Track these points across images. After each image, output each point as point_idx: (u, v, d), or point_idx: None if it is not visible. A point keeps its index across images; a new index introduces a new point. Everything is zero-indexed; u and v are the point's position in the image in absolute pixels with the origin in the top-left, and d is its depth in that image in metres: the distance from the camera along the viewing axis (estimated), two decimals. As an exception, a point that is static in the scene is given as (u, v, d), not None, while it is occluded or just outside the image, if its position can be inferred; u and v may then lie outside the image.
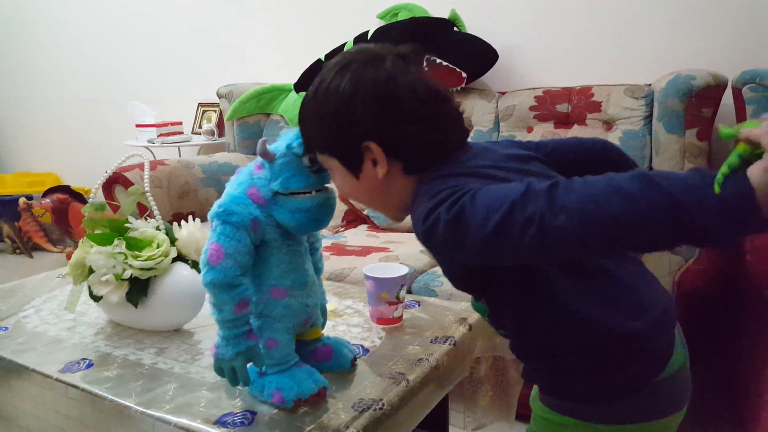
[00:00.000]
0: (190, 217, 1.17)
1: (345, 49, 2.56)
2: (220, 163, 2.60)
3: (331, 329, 1.09)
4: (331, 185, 0.85)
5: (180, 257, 1.11)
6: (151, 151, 3.07)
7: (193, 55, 3.31)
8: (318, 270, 0.95)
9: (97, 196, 1.14)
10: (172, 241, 1.12)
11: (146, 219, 1.16)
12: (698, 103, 1.84)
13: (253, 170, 0.84)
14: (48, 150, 4.14)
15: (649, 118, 2.02)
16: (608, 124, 2.09)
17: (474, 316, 1.14)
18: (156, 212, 1.15)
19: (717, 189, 0.51)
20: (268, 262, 0.84)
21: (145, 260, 1.05)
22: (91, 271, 1.07)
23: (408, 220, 0.75)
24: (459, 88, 2.37)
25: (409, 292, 1.66)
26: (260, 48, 3.08)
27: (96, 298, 1.09)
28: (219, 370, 0.83)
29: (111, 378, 0.93)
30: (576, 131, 2.13)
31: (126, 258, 1.05)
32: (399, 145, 0.74)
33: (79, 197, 3.44)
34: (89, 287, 1.09)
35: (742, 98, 1.79)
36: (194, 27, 3.26)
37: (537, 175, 0.74)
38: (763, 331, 1.32)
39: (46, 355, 1.02)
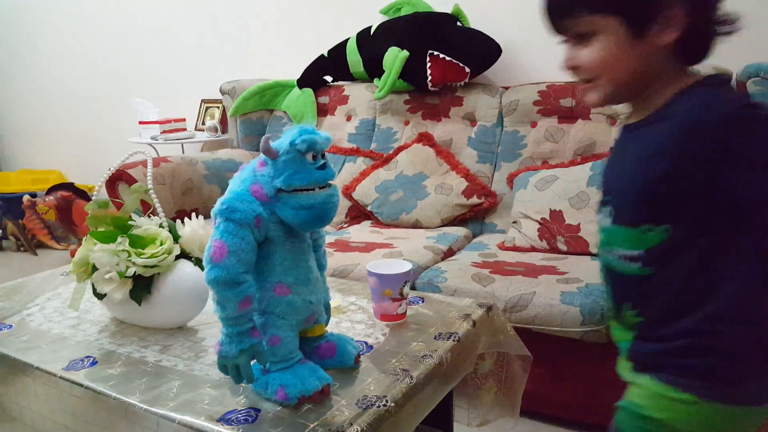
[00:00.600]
0: (194, 214, 1.17)
1: (347, 45, 2.57)
2: (223, 160, 2.60)
3: (334, 326, 1.08)
4: (335, 182, 0.85)
5: (183, 254, 1.11)
6: (154, 148, 3.07)
7: (196, 51, 3.31)
8: (321, 266, 0.95)
9: (100, 193, 1.14)
10: (176, 238, 1.12)
11: (149, 216, 1.16)
12: (703, 97, 1.83)
13: (256, 167, 0.83)
14: (52, 147, 4.15)
15: (653, 112, 2.01)
16: (612, 119, 2.09)
17: (477, 312, 1.14)
18: (159, 209, 1.15)
19: None
20: (271, 259, 0.84)
21: (149, 258, 1.05)
22: (94, 268, 1.07)
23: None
24: (462, 83, 2.37)
25: (412, 288, 1.66)
26: (263, 44, 3.08)
27: (100, 296, 1.09)
28: (223, 367, 0.83)
29: (115, 375, 0.93)
30: (580, 126, 2.12)
31: (129, 255, 1.05)
32: (699, 21, 0.73)
33: (83, 194, 3.44)
34: (93, 285, 1.09)
35: (746, 92, 1.78)
36: (197, 23, 3.26)
37: None
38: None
39: (50, 353, 1.02)
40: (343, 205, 2.40)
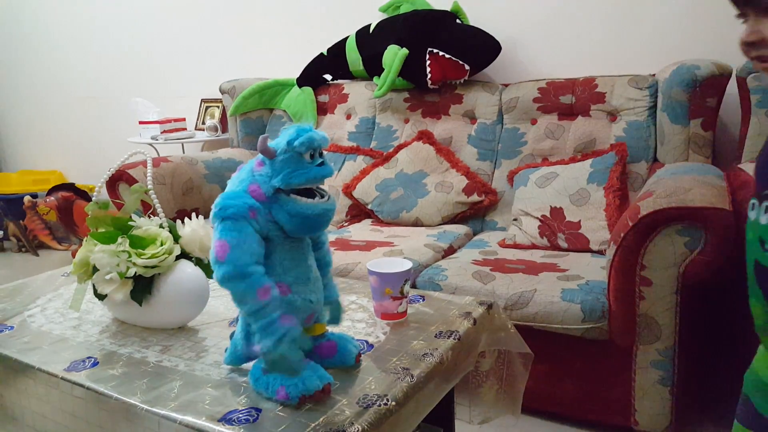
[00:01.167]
0: (194, 214, 1.17)
1: (347, 43, 2.57)
2: (223, 159, 2.60)
3: (335, 325, 1.08)
4: (335, 180, 0.84)
5: (184, 255, 1.11)
6: (154, 148, 3.08)
7: (195, 51, 3.30)
8: (326, 264, 0.94)
9: (101, 193, 1.14)
10: (176, 238, 1.12)
11: (150, 217, 1.16)
12: (703, 92, 1.83)
13: (254, 167, 0.83)
14: (52, 148, 4.15)
15: (653, 108, 2.01)
16: (612, 115, 2.08)
17: (478, 310, 1.14)
18: (159, 210, 1.15)
19: None
20: (270, 259, 0.84)
21: (149, 258, 1.05)
22: (95, 269, 1.07)
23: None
24: (462, 81, 2.36)
25: (413, 286, 1.66)
26: (262, 43, 3.08)
27: (100, 297, 1.09)
28: (272, 365, 0.82)
29: (116, 376, 0.93)
30: (580, 123, 2.12)
31: (130, 256, 1.05)
32: None
33: (84, 195, 3.45)
34: (93, 286, 1.09)
35: (746, 88, 1.77)
36: (196, 23, 3.26)
37: None
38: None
39: (51, 354, 1.02)
40: (344, 203, 2.40)
